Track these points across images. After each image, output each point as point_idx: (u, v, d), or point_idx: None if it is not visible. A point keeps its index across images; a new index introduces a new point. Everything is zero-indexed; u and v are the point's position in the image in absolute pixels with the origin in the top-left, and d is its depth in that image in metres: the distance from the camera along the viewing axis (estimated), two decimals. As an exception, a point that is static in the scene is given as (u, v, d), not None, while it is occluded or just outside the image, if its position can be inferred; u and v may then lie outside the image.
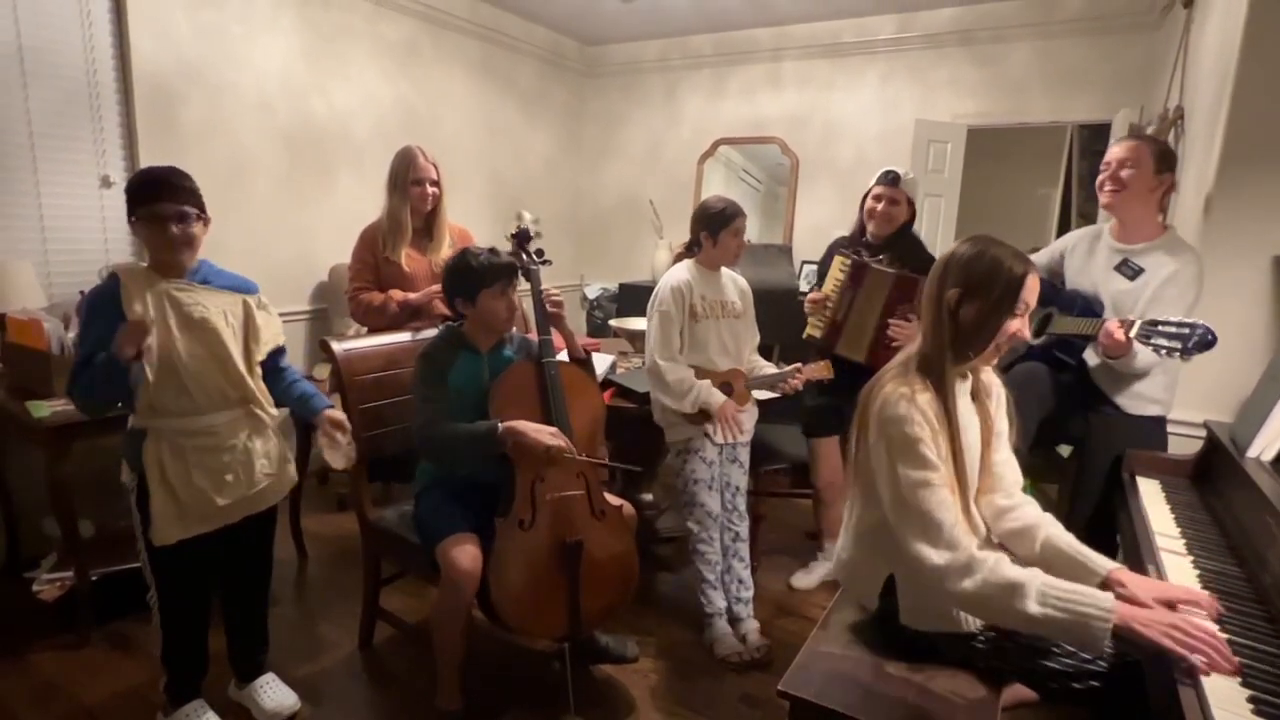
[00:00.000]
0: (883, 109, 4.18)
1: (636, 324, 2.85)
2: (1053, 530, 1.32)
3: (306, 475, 2.80)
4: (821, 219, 4.38)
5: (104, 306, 1.53)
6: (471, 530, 1.75)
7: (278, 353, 1.77)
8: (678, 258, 2.30)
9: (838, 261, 2.39)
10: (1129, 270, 1.89)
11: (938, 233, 3.93)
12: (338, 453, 1.74)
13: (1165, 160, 1.86)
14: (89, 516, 2.26)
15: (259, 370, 1.71)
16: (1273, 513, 1.29)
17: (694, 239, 2.23)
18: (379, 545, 2.06)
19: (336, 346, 2.03)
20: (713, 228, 2.18)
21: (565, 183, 5.14)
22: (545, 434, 1.74)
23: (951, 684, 1.28)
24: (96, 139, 2.68)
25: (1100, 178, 1.93)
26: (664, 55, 4.76)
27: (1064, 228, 4.87)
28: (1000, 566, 1.15)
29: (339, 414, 1.78)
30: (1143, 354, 1.67)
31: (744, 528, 2.26)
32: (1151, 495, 1.70)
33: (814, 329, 2.44)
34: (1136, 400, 1.90)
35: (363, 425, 2.01)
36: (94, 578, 2.15)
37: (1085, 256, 2.03)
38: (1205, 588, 1.26)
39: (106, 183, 2.71)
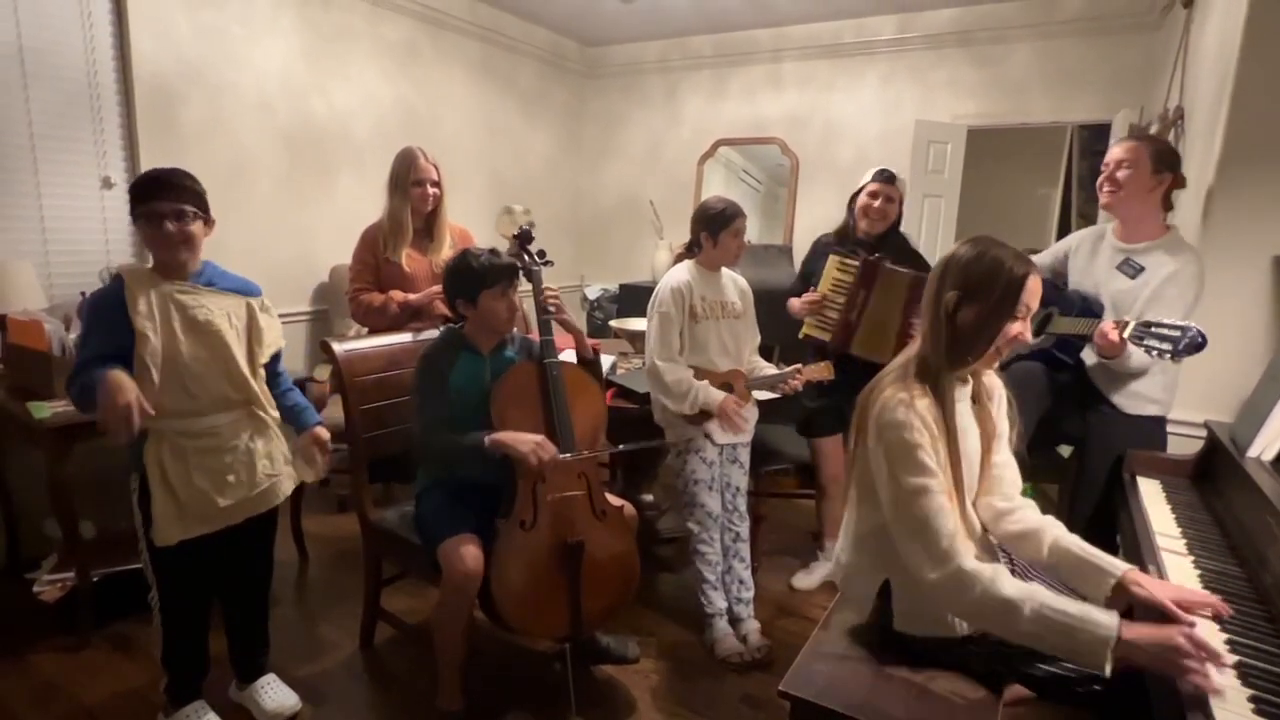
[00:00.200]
0: (883, 109, 4.18)
1: (637, 325, 2.85)
2: (1059, 533, 1.31)
3: (307, 476, 2.81)
4: (821, 219, 4.36)
5: (107, 309, 1.53)
6: (473, 531, 1.75)
7: (276, 358, 1.77)
8: (678, 258, 2.30)
9: (835, 262, 2.38)
10: (1130, 269, 1.89)
11: (938, 233, 3.93)
12: (310, 468, 1.78)
13: (1163, 159, 1.86)
14: (90, 517, 2.26)
15: (262, 373, 1.71)
16: (1273, 513, 1.29)
17: (694, 240, 2.23)
18: (380, 546, 2.06)
19: (337, 347, 2.03)
20: (713, 228, 2.18)
21: (565, 183, 5.14)
22: (529, 444, 1.73)
23: (952, 685, 1.28)
24: (97, 140, 2.69)
25: (1099, 179, 1.94)
26: (664, 56, 4.77)
27: (1064, 228, 4.87)
28: (998, 582, 1.14)
29: (325, 433, 1.80)
30: (1136, 355, 1.68)
31: (744, 528, 2.26)
32: (1152, 495, 1.70)
33: (815, 330, 2.43)
34: (1134, 400, 1.90)
35: (364, 426, 2.02)
36: (95, 578, 2.15)
37: (1089, 256, 2.03)
38: (1206, 588, 1.26)
39: (107, 183, 2.72)
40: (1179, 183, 1.91)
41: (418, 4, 3.79)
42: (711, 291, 2.22)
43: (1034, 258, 1.93)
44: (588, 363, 2.05)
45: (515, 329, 1.97)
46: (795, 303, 2.49)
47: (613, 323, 3.21)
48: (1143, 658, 1.02)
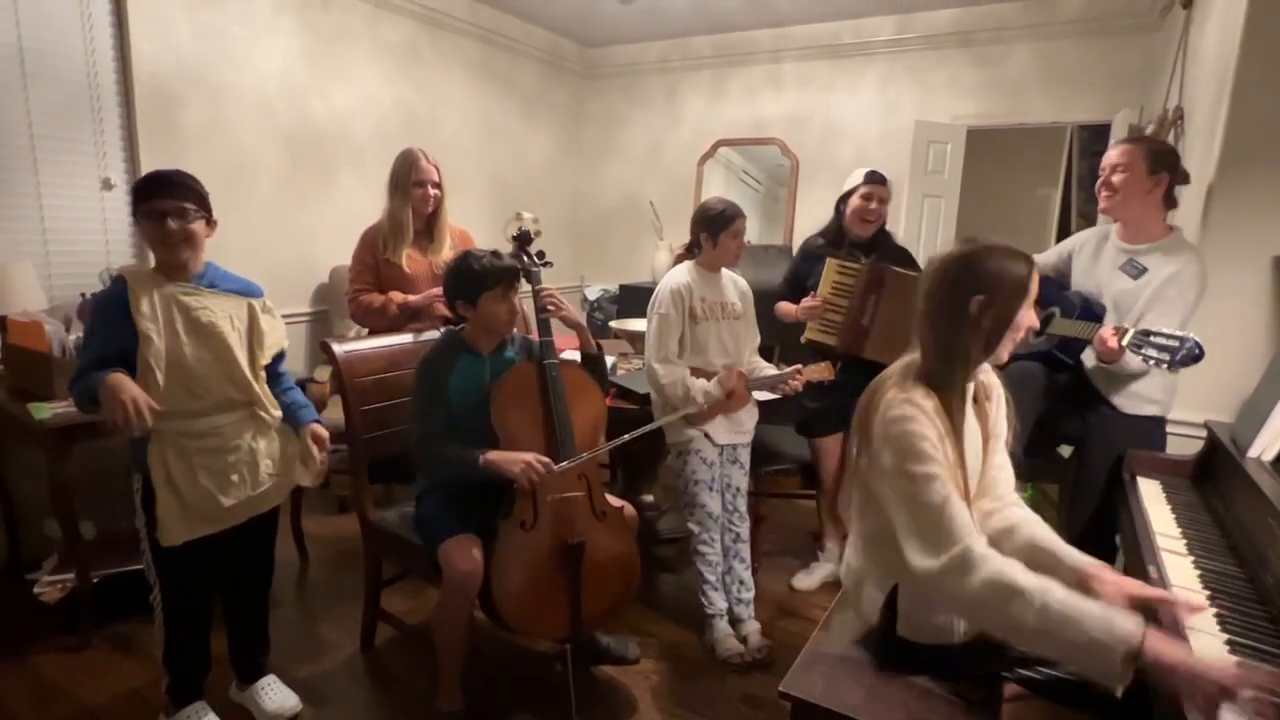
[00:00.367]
0: (882, 110, 4.18)
1: (637, 325, 2.85)
2: (1034, 528, 1.31)
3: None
4: (821, 220, 4.27)
5: (110, 311, 1.53)
6: (473, 531, 1.75)
7: (278, 358, 1.77)
8: (678, 259, 2.30)
9: (835, 265, 2.38)
10: (1133, 269, 1.90)
11: (938, 234, 3.93)
12: (308, 470, 1.76)
13: (1158, 160, 1.86)
14: (90, 518, 2.26)
15: (264, 374, 1.71)
16: (1273, 513, 1.29)
17: (694, 240, 2.23)
18: (380, 546, 2.06)
19: (337, 348, 2.03)
20: (712, 229, 2.18)
21: (565, 184, 5.14)
22: (520, 464, 1.72)
23: (953, 685, 1.28)
24: (97, 141, 2.69)
25: (1097, 184, 1.95)
26: (664, 57, 4.77)
27: (1064, 228, 4.88)
28: (1011, 568, 1.10)
29: (323, 430, 1.79)
30: (1134, 362, 1.69)
31: (745, 529, 2.26)
32: (1152, 495, 1.70)
33: (819, 334, 2.41)
34: (1133, 400, 1.91)
35: (364, 427, 2.02)
36: (95, 579, 2.15)
37: (1093, 256, 2.04)
38: (1206, 588, 1.26)
39: (107, 184, 2.72)
40: (1181, 179, 1.90)
41: (418, 5, 3.79)
42: (711, 292, 2.22)
43: (1038, 257, 1.94)
44: (592, 359, 2.05)
45: (515, 329, 1.97)
46: (789, 307, 2.48)
47: (613, 323, 3.21)
48: (1160, 676, 0.96)
